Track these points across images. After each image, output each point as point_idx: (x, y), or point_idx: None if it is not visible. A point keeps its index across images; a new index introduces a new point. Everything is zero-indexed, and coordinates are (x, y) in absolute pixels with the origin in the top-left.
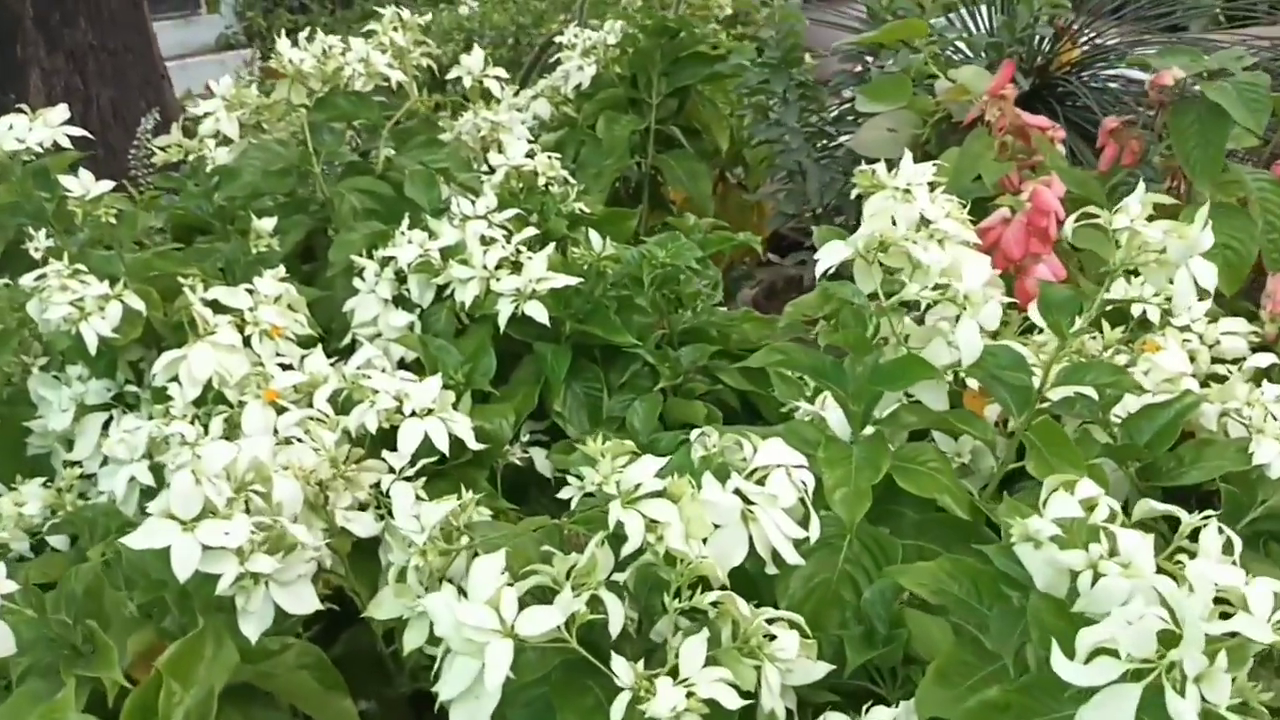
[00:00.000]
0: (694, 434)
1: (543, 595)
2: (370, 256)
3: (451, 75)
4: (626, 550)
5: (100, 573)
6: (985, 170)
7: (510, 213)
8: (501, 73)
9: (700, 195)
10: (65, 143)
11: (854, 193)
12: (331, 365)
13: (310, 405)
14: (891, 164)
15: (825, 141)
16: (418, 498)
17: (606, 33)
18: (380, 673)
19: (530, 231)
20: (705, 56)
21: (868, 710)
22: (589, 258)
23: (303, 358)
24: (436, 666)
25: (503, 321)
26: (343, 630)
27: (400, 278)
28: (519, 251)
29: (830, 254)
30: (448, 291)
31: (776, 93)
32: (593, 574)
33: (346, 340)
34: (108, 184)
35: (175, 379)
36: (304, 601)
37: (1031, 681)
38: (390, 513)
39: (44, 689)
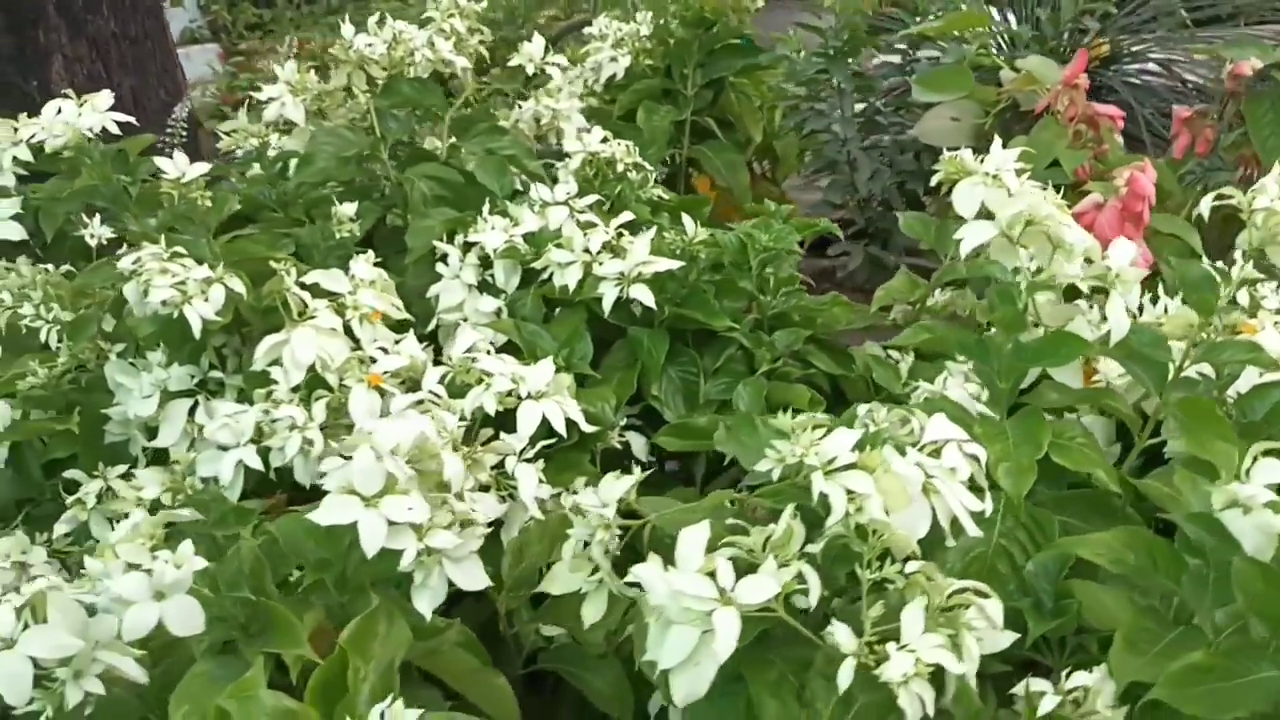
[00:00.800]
0: (861, 410)
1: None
2: (451, 242)
3: (514, 62)
4: (831, 521)
5: (260, 553)
6: (1064, 158)
7: (591, 198)
8: (563, 60)
9: (739, 186)
10: (114, 129)
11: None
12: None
13: (407, 390)
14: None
15: (875, 133)
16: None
17: (639, 24)
18: (500, 653)
19: (627, 216)
20: (741, 49)
21: (1067, 676)
22: (680, 242)
23: (396, 342)
24: (648, 637)
25: (607, 306)
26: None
27: (485, 263)
28: (619, 235)
29: (976, 234)
30: (543, 275)
31: (832, 83)
32: (788, 545)
33: (431, 326)
34: (203, 166)
35: (275, 363)
36: (475, 578)
37: (1234, 645)
38: (512, 495)
39: (218, 668)
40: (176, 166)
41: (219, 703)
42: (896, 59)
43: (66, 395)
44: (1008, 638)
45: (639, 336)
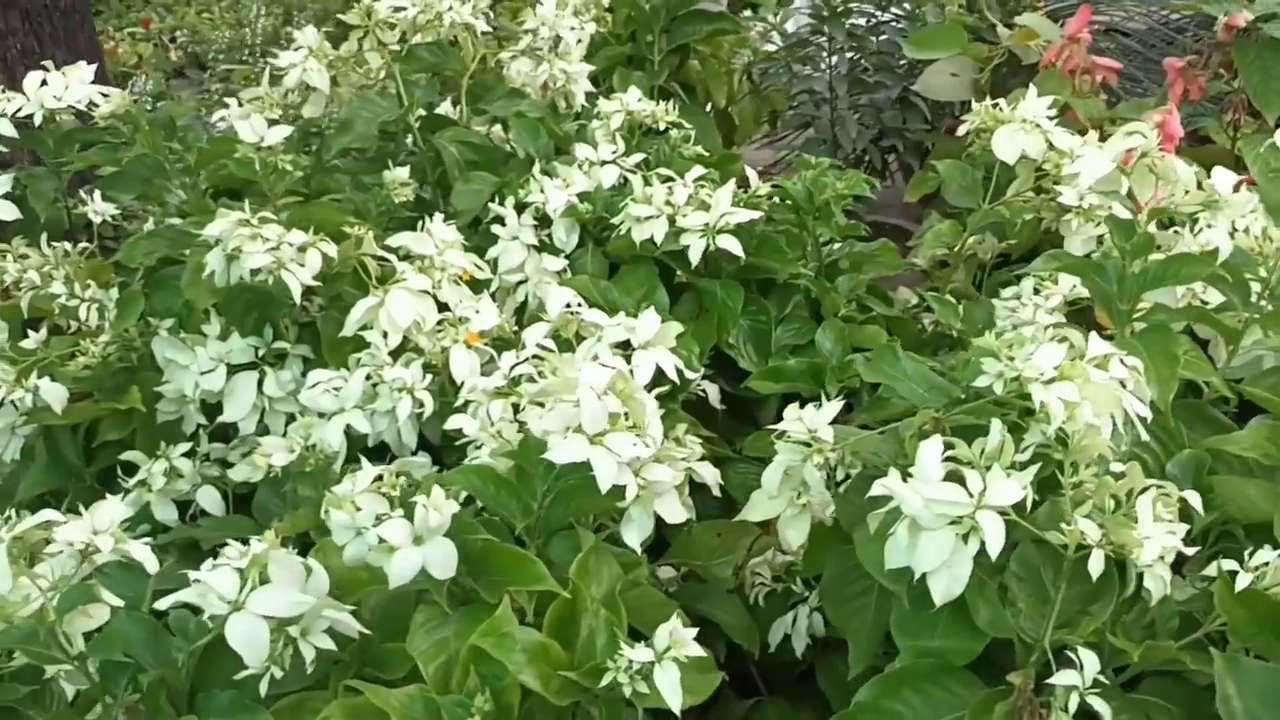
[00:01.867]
0: (1008, 331)
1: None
2: (500, 203)
3: (529, 26)
4: (1053, 426)
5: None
6: (1078, 106)
7: (638, 157)
8: (575, 22)
9: (714, 149)
10: (99, 100)
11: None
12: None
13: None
14: (957, 106)
15: (861, 92)
16: None
17: None
18: None
19: (699, 170)
20: (704, 14)
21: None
22: (741, 195)
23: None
24: (895, 546)
25: (695, 257)
26: None
27: (544, 223)
28: (700, 187)
29: (1094, 167)
30: (604, 232)
31: (823, 41)
32: (1003, 455)
33: (495, 286)
34: (284, 129)
35: (366, 327)
36: (677, 511)
37: None
38: None
39: (440, 613)
40: (254, 130)
41: (474, 642)
42: (861, 21)
43: (115, 375)
44: (1181, 528)
45: (711, 288)
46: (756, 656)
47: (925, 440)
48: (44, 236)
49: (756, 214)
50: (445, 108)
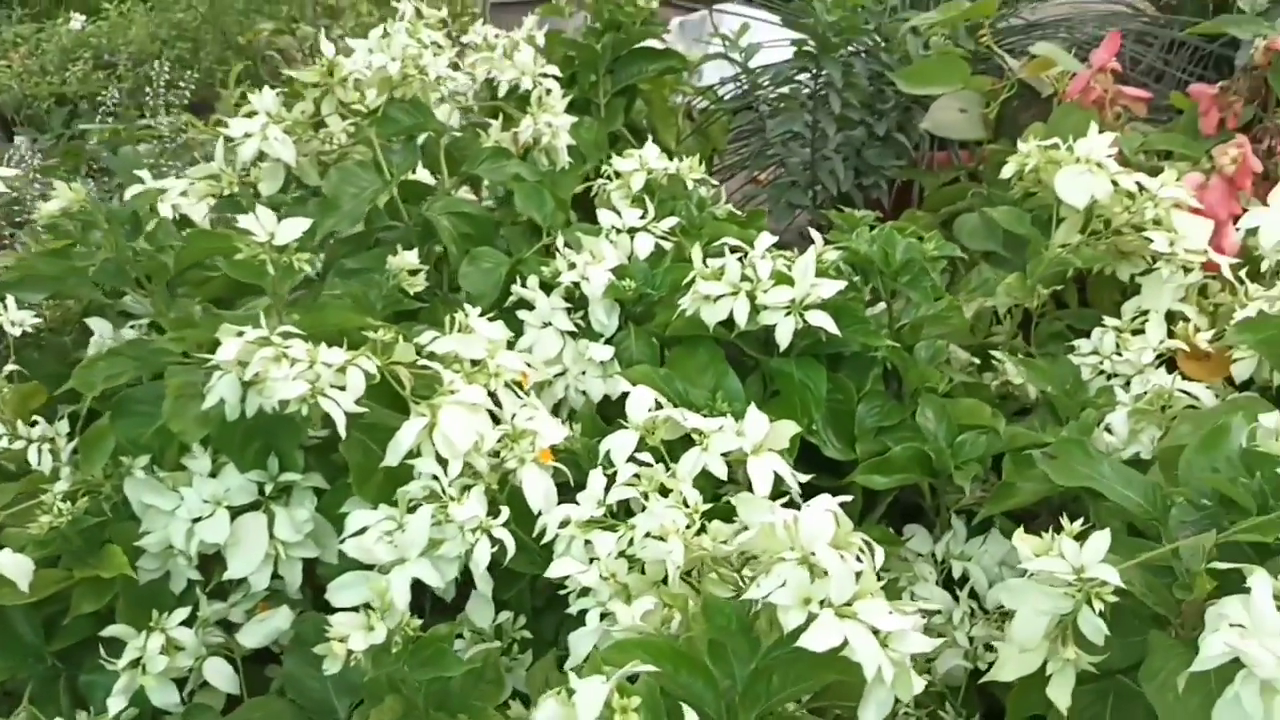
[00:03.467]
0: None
1: None
2: (522, 284)
3: (508, 75)
4: None
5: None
6: (1122, 142)
7: (670, 221)
8: (556, 71)
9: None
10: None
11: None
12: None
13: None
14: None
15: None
16: None
17: (530, 30)
18: None
19: (768, 239)
20: (650, 52)
21: None
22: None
23: (522, 406)
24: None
25: (784, 339)
26: None
27: (575, 303)
28: (774, 258)
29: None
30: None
31: (821, 79)
32: None
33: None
34: (301, 222)
35: (414, 454)
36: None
37: None
38: None
39: None
40: (264, 226)
41: None
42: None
43: (83, 532)
44: None
45: (786, 369)
46: None
47: (1255, 577)
48: None
49: (840, 284)
50: (421, 172)
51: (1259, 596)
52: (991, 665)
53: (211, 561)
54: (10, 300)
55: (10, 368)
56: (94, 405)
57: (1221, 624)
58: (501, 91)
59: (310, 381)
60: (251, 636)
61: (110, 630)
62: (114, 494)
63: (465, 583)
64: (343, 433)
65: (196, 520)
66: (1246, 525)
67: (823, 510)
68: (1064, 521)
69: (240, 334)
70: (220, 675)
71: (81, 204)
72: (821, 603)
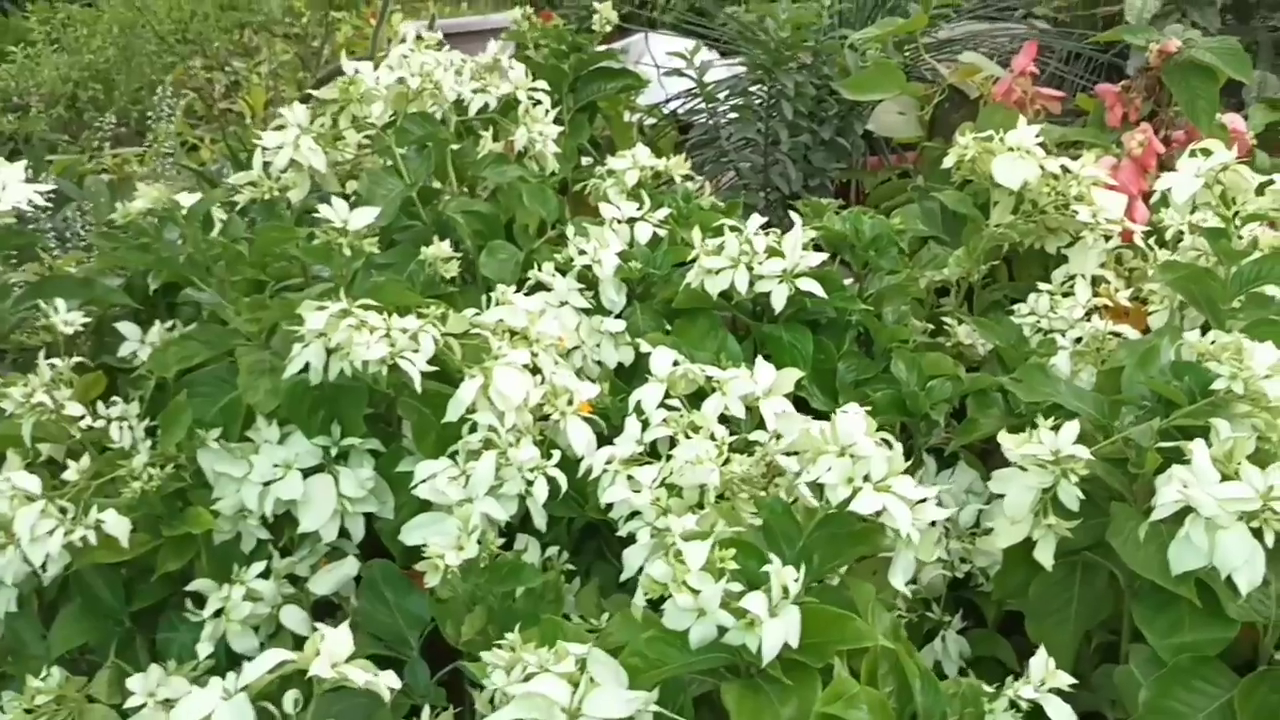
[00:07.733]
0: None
1: None
2: (539, 269)
3: (502, 90)
4: None
5: None
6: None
7: (664, 211)
8: (544, 84)
9: None
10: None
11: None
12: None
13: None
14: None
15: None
16: None
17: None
18: None
19: (758, 220)
20: (609, 72)
21: None
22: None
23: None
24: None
25: (779, 303)
26: None
27: (589, 284)
28: (766, 234)
29: (1186, 186)
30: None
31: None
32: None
33: None
34: (370, 212)
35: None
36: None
37: None
38: None
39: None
40: (338, 214)
41: (822, 710)
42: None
43: (165, 499)
44: None
45: (776, 334)
46: None
47: (1200, 442)
48: None
49: (823, 255)
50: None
51: (1198, 457)
52: (967, 575)
53: (278, 524)
54: (59, 303)
55: (75, 360)
56: (155, 391)
57: (1172, 480)
58: (492, 105)
59: (390, 345)
60: (322, 585)
61: (194, 585)
62: (188, 464)
63: (508, 532)
64: (418, 388)
65: (269, 483)
66: (1181, 413)
67: (855, 414)
68: (1039, 420)
69: (322, 308)
70: (296, 619)
71: (163, 203)
72: (863, 479)
